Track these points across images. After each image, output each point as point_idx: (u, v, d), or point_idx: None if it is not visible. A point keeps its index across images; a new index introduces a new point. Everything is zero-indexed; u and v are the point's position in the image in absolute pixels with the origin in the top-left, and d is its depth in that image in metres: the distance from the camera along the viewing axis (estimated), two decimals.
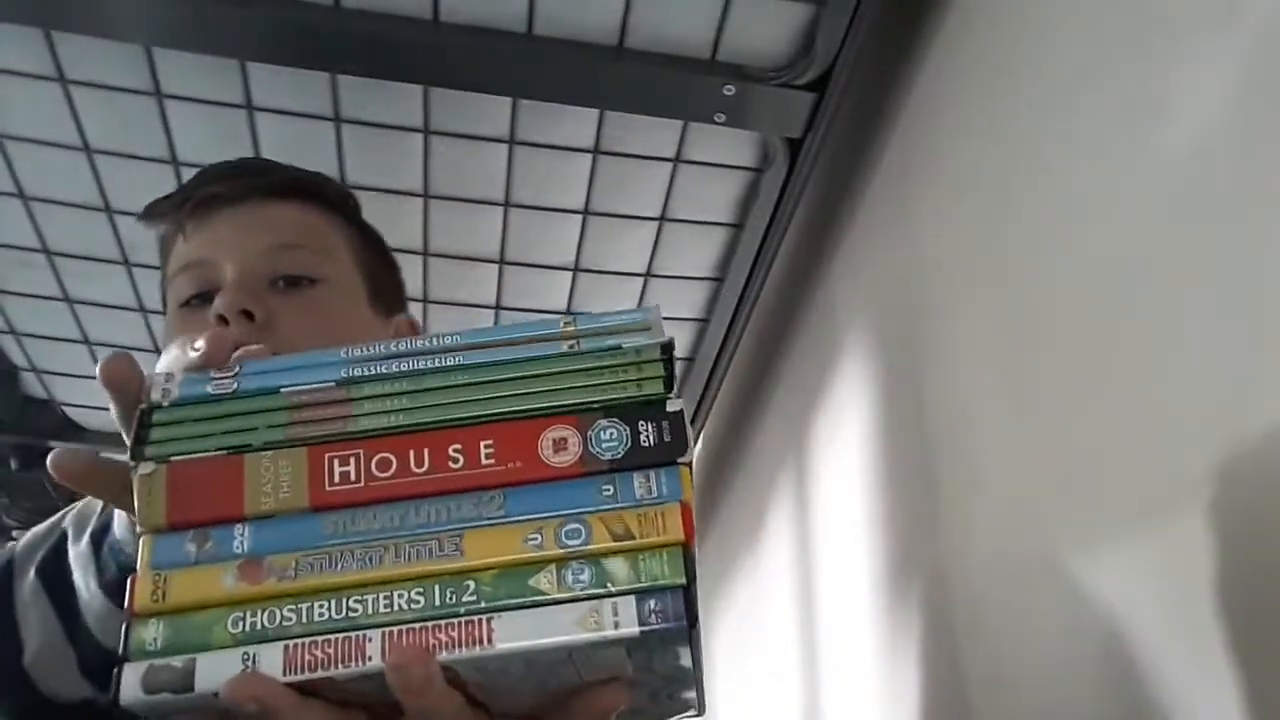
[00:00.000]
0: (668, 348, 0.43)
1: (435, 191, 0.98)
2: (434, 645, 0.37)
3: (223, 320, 0.67)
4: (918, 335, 0.79)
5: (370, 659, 0.37)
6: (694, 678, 0.42)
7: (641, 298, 1.08)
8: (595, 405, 0.42)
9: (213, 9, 0.77)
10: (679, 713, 0.47)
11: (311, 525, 0.40)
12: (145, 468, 0.41)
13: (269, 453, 0.41)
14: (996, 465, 0.67)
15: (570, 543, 0.39)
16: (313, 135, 0.92)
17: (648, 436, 0.41)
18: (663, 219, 1.01)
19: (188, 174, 0.94)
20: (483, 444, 0.41)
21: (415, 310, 1.02)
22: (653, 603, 0.38)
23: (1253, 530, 0.43)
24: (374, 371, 0.43)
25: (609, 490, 0.40)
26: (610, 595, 0.38)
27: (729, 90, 0.82)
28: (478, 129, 0.92)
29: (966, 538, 0.70)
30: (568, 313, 0.40)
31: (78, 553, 0.62)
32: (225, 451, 0.41)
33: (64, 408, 1.33)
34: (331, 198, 0.76)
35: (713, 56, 0.83)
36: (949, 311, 0.75)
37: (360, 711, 0.40)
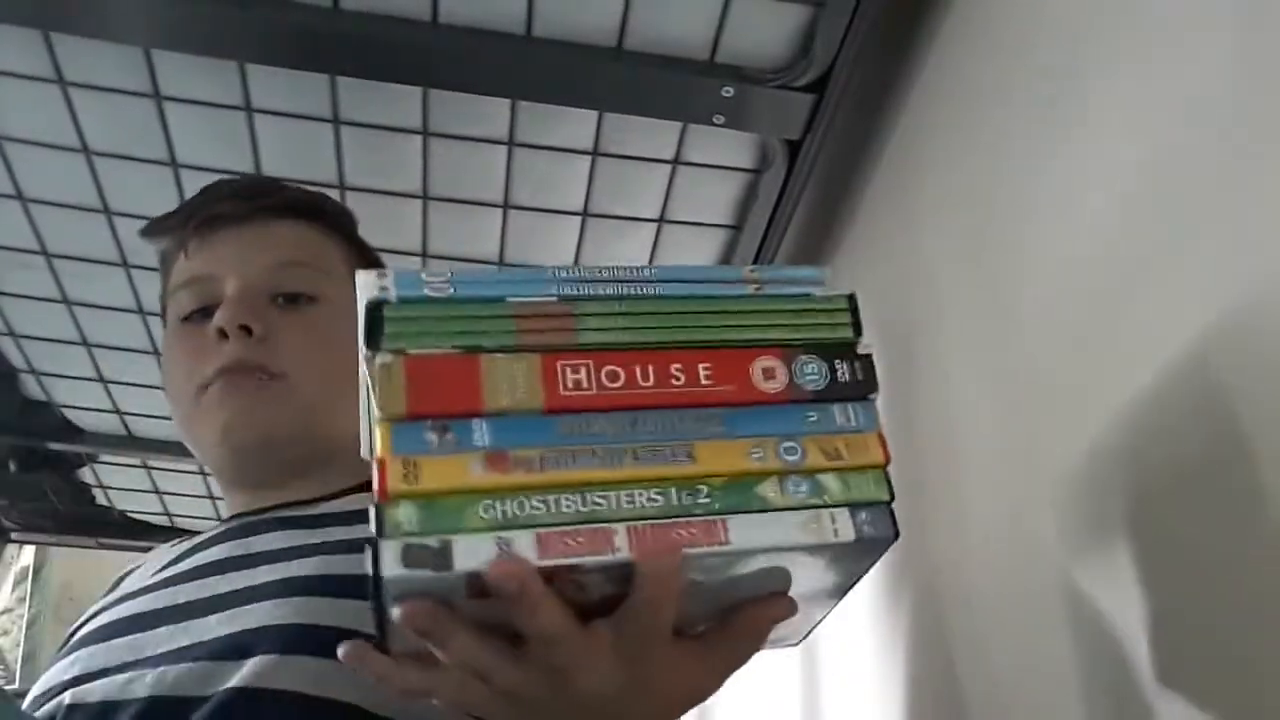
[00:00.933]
0: (853, 299, 0.48)
1: (434, 193, 0.98)
2: (677, 539, 0.41)
3: (222, 334, 0.68)
4: (917, 336, 0.79)
5: (619, 550, 0.40)
6: (844, 593, 0.48)
7: None
8: (798, 341, 0.46)
9: (211, 11, 0.77)
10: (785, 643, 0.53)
11: (547, 425, 0.42)
12: (383, 357, 0.43)
13: (503, 355, 0.43)
14: (993, 466, 0.67)
15: (789, 459, 0.43)
16: (311, 137, 0.92)
17: (844, 373, 0.45)
18: (662, 220, 1.01)
19: (187, 176, 0.95)
20: (701, 366, 0.44)
21: None
22: (864, 515, 0.42)
23: (1245, 533, 0.43)
24: (590, 292, 0.46)
25: (814, 417, 0.44)
26: (827, 506, 0.42)
27: (728, 92, 0.82)
28: (476, 130, 0.92)
29: (962, 537, 0.70)
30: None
31: None
32: (460, 350, 0.43)
33: (63, 409, 1.33)
34: (331, 216, 0.77)
35: (711, 58, 0.82)
36: (948, 312, 0.75)
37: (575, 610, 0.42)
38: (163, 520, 1.62)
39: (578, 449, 0.42)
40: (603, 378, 0.43)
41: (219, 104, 0.89)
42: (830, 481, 0.43)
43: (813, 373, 0.45)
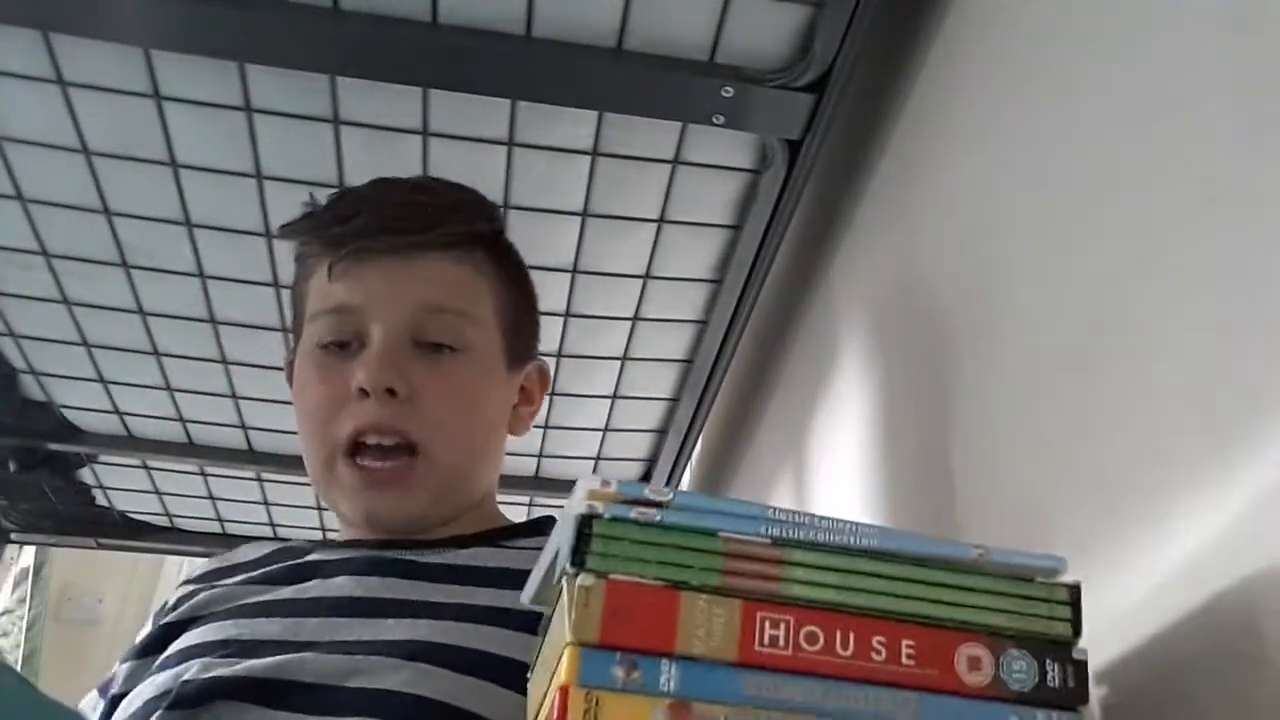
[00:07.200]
0: (1075, 590, 0.44)
1: None
2: None
3: (364, 393, 0.68)
4: (916, 336, 0.80)
5: None
6: None
7: (640, 299, 1.08)
8: (1009, 631, 0.43)
9: (211, 11, 0.77)
10: None
11: (736, 680, 0.40)
12: (586, 579, 0.41)
13: (705, 596, 0.41)
14: (992, 467, 0.67)
15: None
16: (312, 137, 0.92)
17: (1053, 677, 0.42)
18: (661, 220, 1.01)
19: (186, 176, 0.95)
20: (905, 642, 0.42)
21: None
22: None
23: (1241, 548, 0.43)
24: (803, 537, 0.43)
25: None
26: None
27: (727, 92, 0.82)
28: (476, 131, 0.92)
29: (959, 536, 0.70)
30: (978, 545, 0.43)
31: None
32: (663, 583, 0.41)
33: (63, 410, 1.33)
34: (487, 253, 0.76)
35: (711, 58, 0.82)
36: (947, 313, 0.75)
37: None
38: (162, 521, 1.61)
39: (761, 712, 0.40)
40: (801, 639, 0.41)
41: (219, 104, 0.88)
42: None
43: (1020, 671, 0.42)
